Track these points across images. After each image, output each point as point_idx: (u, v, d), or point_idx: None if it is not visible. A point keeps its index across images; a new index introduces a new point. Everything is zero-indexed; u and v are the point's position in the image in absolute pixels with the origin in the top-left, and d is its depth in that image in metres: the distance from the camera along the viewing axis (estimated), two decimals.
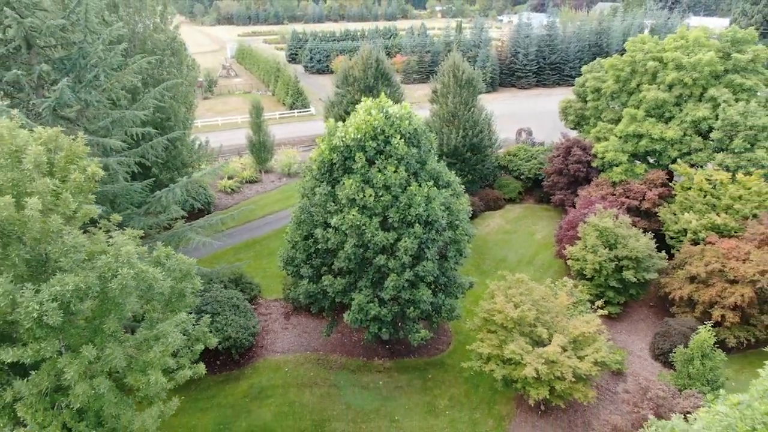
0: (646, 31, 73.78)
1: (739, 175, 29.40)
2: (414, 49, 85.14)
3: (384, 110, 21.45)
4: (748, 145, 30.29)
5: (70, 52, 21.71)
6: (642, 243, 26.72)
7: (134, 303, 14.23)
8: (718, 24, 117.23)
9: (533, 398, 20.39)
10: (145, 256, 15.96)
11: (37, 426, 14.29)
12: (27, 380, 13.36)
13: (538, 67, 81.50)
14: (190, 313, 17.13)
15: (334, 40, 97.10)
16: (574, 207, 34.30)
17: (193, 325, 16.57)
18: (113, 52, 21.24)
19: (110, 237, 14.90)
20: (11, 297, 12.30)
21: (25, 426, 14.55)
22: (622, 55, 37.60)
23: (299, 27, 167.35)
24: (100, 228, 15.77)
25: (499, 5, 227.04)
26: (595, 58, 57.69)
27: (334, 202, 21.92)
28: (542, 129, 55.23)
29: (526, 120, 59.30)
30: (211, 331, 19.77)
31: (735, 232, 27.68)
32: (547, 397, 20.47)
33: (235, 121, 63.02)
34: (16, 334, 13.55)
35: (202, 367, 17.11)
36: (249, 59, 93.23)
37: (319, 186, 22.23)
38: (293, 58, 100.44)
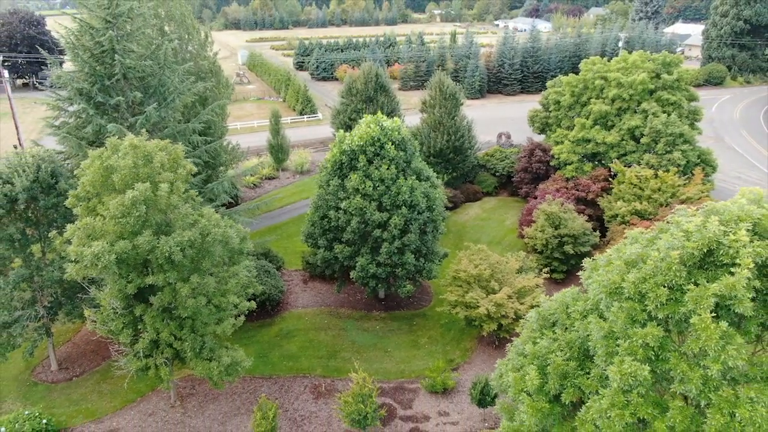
0: (621, 43, 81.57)
1: (660, 172, 37.42)
2: (411, 58, 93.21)
3: (380, 123, 29.56)
4: (669, 148, 38.34)
5: (150, 82, 29.79)
6: (578, 223, 34.79)
7: (220, 251, 22.30)
8: (696, 30, 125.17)
9: (486, 331, 28.44)
10: None
11: (154, 331, 22.41)
12: (156, 296, 21.41)
13: (522, 76, 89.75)
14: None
15: (338, 49, 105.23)
16: (536, 198, 42.32)
17: (249, 272, 24.70)
18: (185, 83, 29.32)
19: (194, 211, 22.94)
20: (151, 244, 20.37)
21: (146, 332, 22.57)
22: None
23: (303, 32, 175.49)
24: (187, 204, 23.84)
25: (495, 9, 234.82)
26: (574, 67, 65.33)
27: (343, 191, 29.99)
28: (522, 132, 62.99)
29: (510, 124, 67.18)
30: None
31: (652, 216, 35.66)
32: (496, 330, 28.57)
33: (252, 125, 71.17)
34: (150, 269, 21.60)
35: (252, 304, 25.11)
36: (260, 67, 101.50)
37: (332, 179, 30.31)
38: (300, 66, 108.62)
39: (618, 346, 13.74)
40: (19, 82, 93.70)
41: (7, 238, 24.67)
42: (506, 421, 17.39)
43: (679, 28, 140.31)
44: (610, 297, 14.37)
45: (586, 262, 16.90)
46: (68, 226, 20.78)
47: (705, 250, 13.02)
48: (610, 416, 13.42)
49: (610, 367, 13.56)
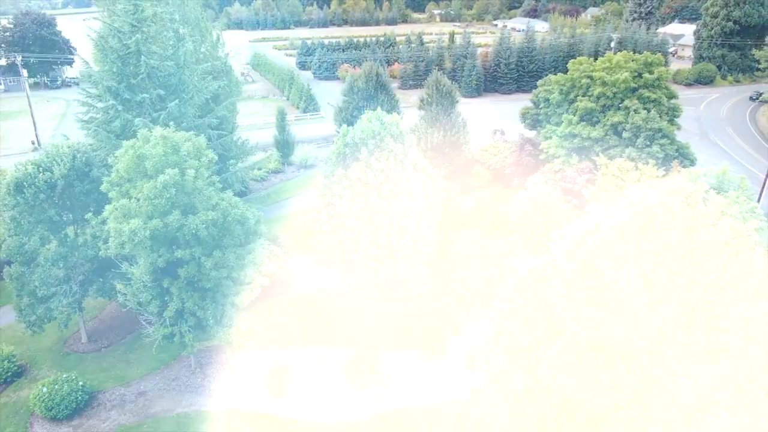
0: (613, 44, 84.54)
1: (640, 165, 40.28)
2: (410, 58, 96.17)
3: (380, 119, 32.51)
4: (648, 143, 41.22)
5: (170, 81, 32.72)
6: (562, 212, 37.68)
7: (238, 230, 25.25)
8: (690, 30, 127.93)
9: (477, 306, 31.37)
10: None
11: (180, 301, 25.35)
12: (183, 269, 24.34)
13: (518, 75, 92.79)
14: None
15: (340, 49, 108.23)
16: (526, 190, 45.19)
17: (264, 248, 27.65)
18: (203, 82, 32.26)
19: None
20: (180, 222, 23.30)
21: (172, 302, 25.48)
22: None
23: (305, 32, 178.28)
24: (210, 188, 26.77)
25: (494, 10, 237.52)
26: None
27: (346, 180, 32.91)
28: (517, 130, 65.83)
29: (505, 122, 70.06)
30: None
31: None
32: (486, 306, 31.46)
33: (258, 122, 74.05)
34: (177, 245, 24.52)
35: (266, 280, 28.16)
36: (264, 67, 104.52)
37: (336, 170, 33.24)
38: (303, 65, 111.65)
39: None
40: (30, 80, 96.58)
41: (47, 220, 27.61)
42: (488, 373, 20.32)
43: (674, 28, 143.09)
44: (568, 257, 17.32)
45: (555, 234, 19.86)
46: (106, 207, 23.74)
47: (644, 217, 15.98)
48: None
49: None
